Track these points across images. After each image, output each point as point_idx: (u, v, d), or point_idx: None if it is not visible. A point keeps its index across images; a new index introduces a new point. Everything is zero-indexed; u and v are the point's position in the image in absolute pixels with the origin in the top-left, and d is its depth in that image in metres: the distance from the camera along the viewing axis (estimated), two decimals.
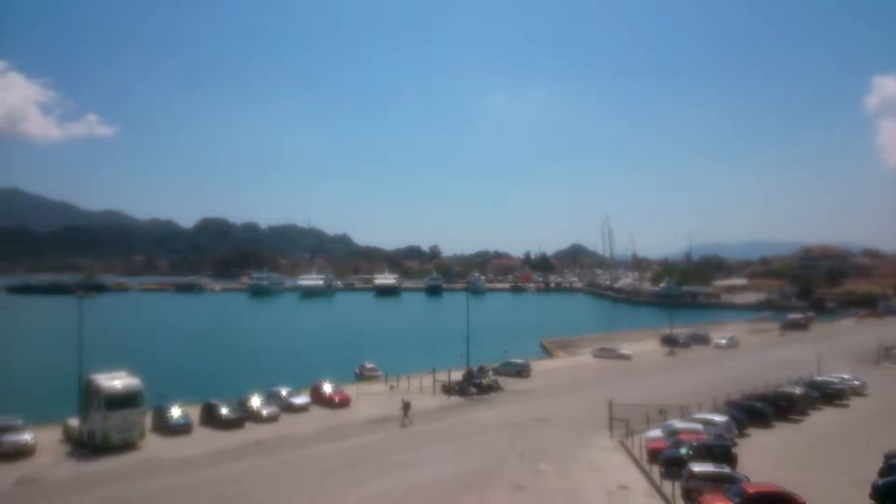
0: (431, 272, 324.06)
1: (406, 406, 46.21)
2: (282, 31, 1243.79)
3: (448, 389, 56.42)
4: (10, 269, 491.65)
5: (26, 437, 38.01)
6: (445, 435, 42.24)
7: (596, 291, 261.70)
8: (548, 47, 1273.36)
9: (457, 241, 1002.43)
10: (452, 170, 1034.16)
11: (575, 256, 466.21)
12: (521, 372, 65.82)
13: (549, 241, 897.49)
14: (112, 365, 42.48)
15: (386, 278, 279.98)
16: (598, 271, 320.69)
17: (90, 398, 39.21)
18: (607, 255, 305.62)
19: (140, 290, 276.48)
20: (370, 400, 54.00)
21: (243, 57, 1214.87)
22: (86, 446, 38.65)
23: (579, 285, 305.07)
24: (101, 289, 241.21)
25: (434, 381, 58.52)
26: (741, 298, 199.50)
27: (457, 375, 59.71)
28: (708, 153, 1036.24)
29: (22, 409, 43.83)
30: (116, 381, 39.73)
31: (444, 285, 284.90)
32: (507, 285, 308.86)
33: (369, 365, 69.26)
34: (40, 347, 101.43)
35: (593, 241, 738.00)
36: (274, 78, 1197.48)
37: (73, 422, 40.98)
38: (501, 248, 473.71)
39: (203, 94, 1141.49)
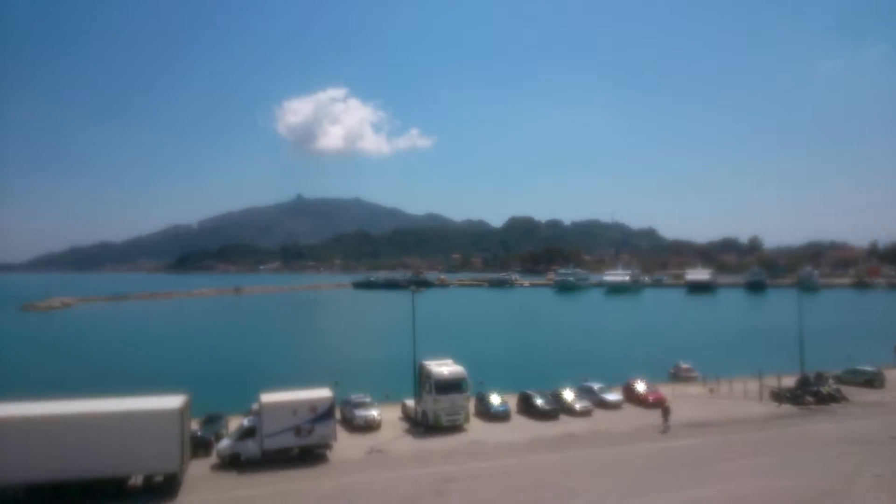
0: (752, 266, 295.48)
1: (666, 411, 42.52)
2: (573, 31, 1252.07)
3: (778, 396, 50.41)
4: (354, 268, 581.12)
5: (374, 413, 43.75)
6: (774, 446, 37.64)
7: None
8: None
9: (781, 231, 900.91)
10: (772, 150, 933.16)
11: None
12: (871, 381, 56.01)
13: None
14: (439, 353, 46.72)
15: (698, 273, 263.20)
16: None
17: (423, 382, 43.51)
18: None
19: (458, 286, 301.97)
20: (687, 402, 50.83)
21: (537, 59, 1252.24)
22: (420, 425, 43.00)
23: None
24: (426, 284, 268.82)
25: (760, 386, 52.83)
26: None
27: (788, 381, 53.18)
28: None
29: (369, 388, 50.67)
30: (444, 367, 43.40)
31: (768, 281, 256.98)
32: (847, 281, 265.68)
33: (684, 365, 65.47)
34: (381, 335, 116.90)
35: None
36: (570, 75, 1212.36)
37: (410, 402, 46.10)
38: (838, 238, 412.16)
39: (506, 101, 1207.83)
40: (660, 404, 45.24)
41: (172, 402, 32.00)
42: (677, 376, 63.34)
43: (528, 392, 47.65)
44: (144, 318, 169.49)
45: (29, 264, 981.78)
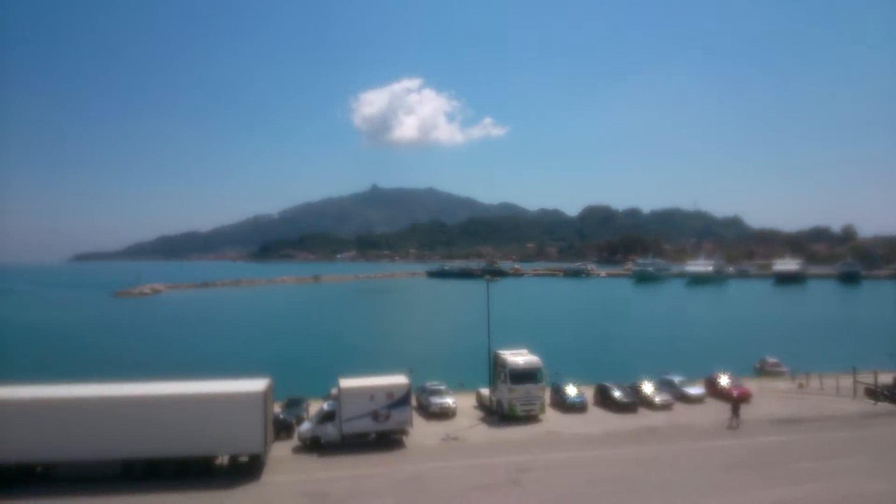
0: (845, 256, 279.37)
1: (736, 406, 40.43)
2: (646, 13, 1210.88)
3: (874, 394, 47.44)
4: (429, 257, 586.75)
5: (449, 400, 44.06)
6: (869, 446, 35.45)
7: None
8: None
9: (878, 219, 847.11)
10: (867, 133, 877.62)
11: None
12: None
13: None
14: (514, 342, 46.50)
15: (787, 264, 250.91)
16: None
17: (498, 371, 43.41)
18: None
19: (533, 275, 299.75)
20: (774, 397, 48.74)
21: (612, 43, 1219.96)
22: (494, 414, 42.97)
23: None
24: (501, 273, 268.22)
25: (855, 382, 49.90)
26: None
27: (885, 378, 50.02)
28: None
29: (444, 376, 51.01)
30: (519, 357, 43.12)
31: (863, 272, 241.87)
32: None
33: (771, 359, 62.72)
34: (455, 323, 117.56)
35: None
36: (647, 58, 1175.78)
37: (484, 391, 46.13)
38: None
39: (581, 87, 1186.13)
40: (741, 399, 43.51)
41: (256, 385, 33.16)
42: (764, 371, 60.81)
43: (606, 384, 46.76)
44: (229, 305, 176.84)
45: (121, 253, 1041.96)
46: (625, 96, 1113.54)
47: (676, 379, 49.61)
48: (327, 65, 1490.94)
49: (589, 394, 46.91)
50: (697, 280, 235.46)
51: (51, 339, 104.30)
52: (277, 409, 40.21)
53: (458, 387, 49.86)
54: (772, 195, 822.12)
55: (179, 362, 71.56)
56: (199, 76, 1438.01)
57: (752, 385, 51.24)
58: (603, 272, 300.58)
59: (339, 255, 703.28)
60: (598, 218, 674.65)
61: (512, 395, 41.63)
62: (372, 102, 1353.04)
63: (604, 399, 45.77)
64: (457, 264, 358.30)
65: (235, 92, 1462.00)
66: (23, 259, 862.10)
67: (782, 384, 54.55)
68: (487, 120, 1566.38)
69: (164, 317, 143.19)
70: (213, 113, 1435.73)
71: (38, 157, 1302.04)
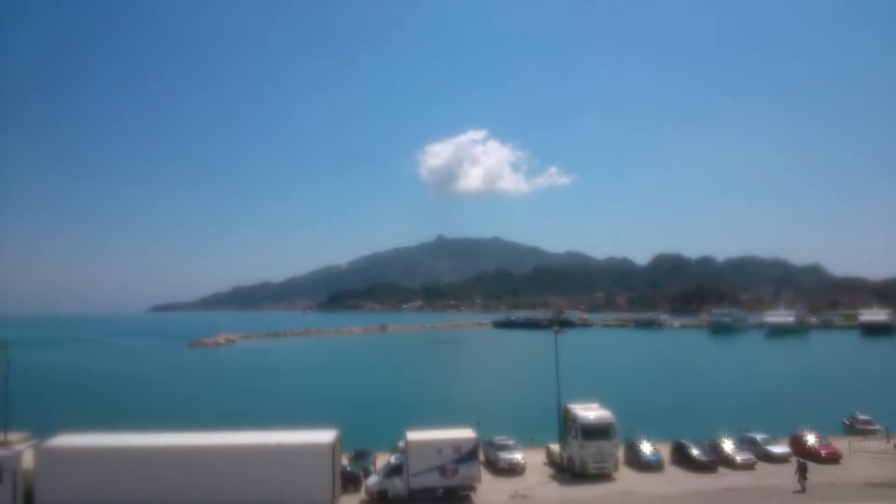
0: None
1: (803, 467, 37.47)
2: (721, 57, 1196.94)
3: None
4: (495, 307, 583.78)
5: (518, 456, 43.00)
6: None
7: None
8: None
9: None
10: None
11: None
12: None
13: None
14: (584, 396, 45.20)
15: (875, 314, 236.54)
16: None
17: (568, 426, 42.17)
18: None
19: (602, 326, 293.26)
20: (866, 458, 45.37)
21: (681, 87, 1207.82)
22: (565, 471, 41.56)
23: None
24: (568, 324, 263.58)
25: None
26: None
27: None
28: None
29: (511, 429, 49.83)
30: (590, 412, 41.83)
31: None
32: None
33: (862, 416, 58.61)
34: (523, 375, 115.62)
35: None
36: (718, 102, 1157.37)
37: (555, 447, 44.79)
38: None
39: (650, 133, 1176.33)
40: (835, 459, 40.53)
41: (325, 436, 33.31)
42: (853, 428, 56.76)
43: (683, 441, 44.68)
44: (299, 354, 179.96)
45: (197, 303, 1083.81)
46: (694, 141, 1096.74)
47: (759, 437, 47.00)
48: (395, 119, 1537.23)
49: (665, 451, 44.91)
50: (778, 331, 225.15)
51: (129, 386, 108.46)
52: (345, 461, 40.17)
53: (527, 442, 48.67)
54: (855, 241, 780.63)
55: (250, 411, 73.05)
56: (269, 131, 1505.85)
57: (841, 444, 47.92)
58: (676, 323, 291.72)
59: (405, 305, 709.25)
60: (669, 266, 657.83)
61: (584, 451, 40.27)
62: (437, 154, 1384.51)
63: (681, 457, 43.71)
64: (523, 314, 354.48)
65: (305, 147, 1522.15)
66: (105, 310, 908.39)
67: (875, 444, 50.70)
68: (553, 169, 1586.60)
69: (237, 366, 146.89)
70: (283, 167, 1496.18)
71: (129, 214, 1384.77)
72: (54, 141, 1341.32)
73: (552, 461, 44.79)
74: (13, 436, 42.01)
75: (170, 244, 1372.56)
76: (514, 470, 42.04)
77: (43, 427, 43.70)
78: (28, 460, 33.72)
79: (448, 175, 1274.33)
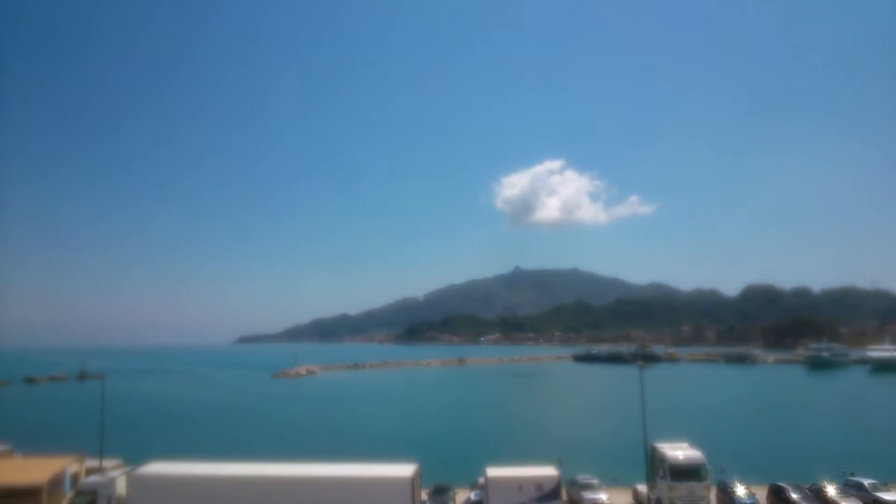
0: None
1: None
2: (813, 76, 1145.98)
3: None
4: (574, 340, 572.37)
5: (603, 496, 41.10)
6: None
7: None
8: None
9: None
10: None
11: None
12: None
13: None
14: (672, 434, 43.11)
15: None
16: None
17: (656, 466, 40.23)
18: None
19: (689, 361, 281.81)
20: None
21: (771, 110, 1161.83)
22: None
23: None
24: (653, 358, 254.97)
25: None
26: None
27: None
28: None
29: (595, 468, 47.99)
30: (679, 451, 39.84)
31: None
32: None
33: None
34: (605, 411, 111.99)
35: None
36: (810, 125, 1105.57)
37: (642, 488, 42.71)
38: None
39: (737, 157, 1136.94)
40: None
41: (404, 470, 32.98)
42: None
43: (781, 484, 41.66)
44: (378, 386, 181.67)
45: (280, 335, 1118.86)
46: (784, 166, 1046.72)
47: (866, 482, 43.26)
48: (471, 150, 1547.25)
49: (761, 494, 41.96)
50: (883, 367, 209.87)
51: (217, 416, 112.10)
52: (424, 496, 39.64)
53: (612, 482, 46.67)
54: None
55: (330, 443, 73.71)
56: (351, 169, 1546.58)
57: None
58: (770, 357, 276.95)
59: (482, 338, 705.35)
60: (760, 298, 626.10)
61: (673, 493, 38.21)
62: (514, 185, 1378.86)
63: (779, 501, 40.68)
64: (605, 348, 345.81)
65: (383, 182, 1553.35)
66: (194, 341, 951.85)
67: None
68: (633, 198, 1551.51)
69: (318, 397, 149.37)
70: (361, 202, 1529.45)
71: (218, 249, 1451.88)
72: (145, 172, 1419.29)
73: (639, 502, 42.74)
74: (107, 462, 43.93)
75: (255, 278, 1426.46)
76: None
77: (135, 454, 45.60)
78: (121, 487, 35.06)
79: (524, 206, 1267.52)
